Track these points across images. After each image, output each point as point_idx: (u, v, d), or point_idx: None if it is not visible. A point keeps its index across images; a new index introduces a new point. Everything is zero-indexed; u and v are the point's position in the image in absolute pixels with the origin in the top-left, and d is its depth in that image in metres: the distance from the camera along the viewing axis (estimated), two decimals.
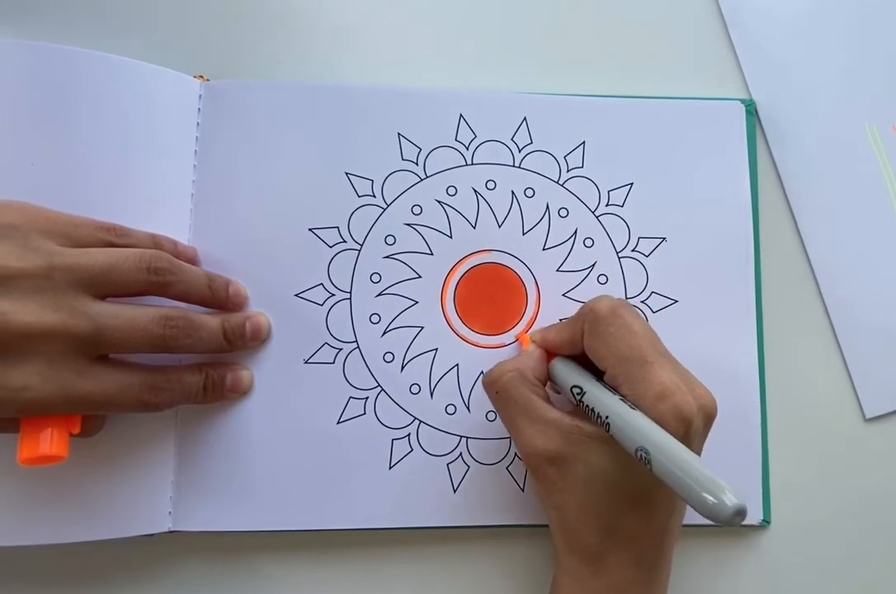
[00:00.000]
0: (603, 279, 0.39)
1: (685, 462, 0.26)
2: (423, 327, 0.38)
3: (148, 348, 0.31)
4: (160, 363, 0.33)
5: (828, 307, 0.40)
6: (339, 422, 0.37)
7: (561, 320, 0.38)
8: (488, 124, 0.39)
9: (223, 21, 0.40)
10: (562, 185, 0.39)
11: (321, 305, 0.37)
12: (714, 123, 0.40)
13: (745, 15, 0.43)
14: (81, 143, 0.35)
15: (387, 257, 0.38)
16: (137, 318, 0.31)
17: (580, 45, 0.42)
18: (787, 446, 0.39)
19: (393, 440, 0.37)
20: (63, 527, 0.34)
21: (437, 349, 0.38)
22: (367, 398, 0.37)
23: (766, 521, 0.38)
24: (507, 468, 0.37)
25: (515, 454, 0.37)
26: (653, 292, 0.39)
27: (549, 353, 0.35)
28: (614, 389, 0.31)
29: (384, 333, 0.37)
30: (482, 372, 0.37)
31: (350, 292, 0.38)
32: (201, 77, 0.38)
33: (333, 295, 0.37)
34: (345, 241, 0.38)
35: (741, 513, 0.24)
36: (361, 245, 0.38)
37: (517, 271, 0.39)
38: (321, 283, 0.37)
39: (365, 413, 0.37)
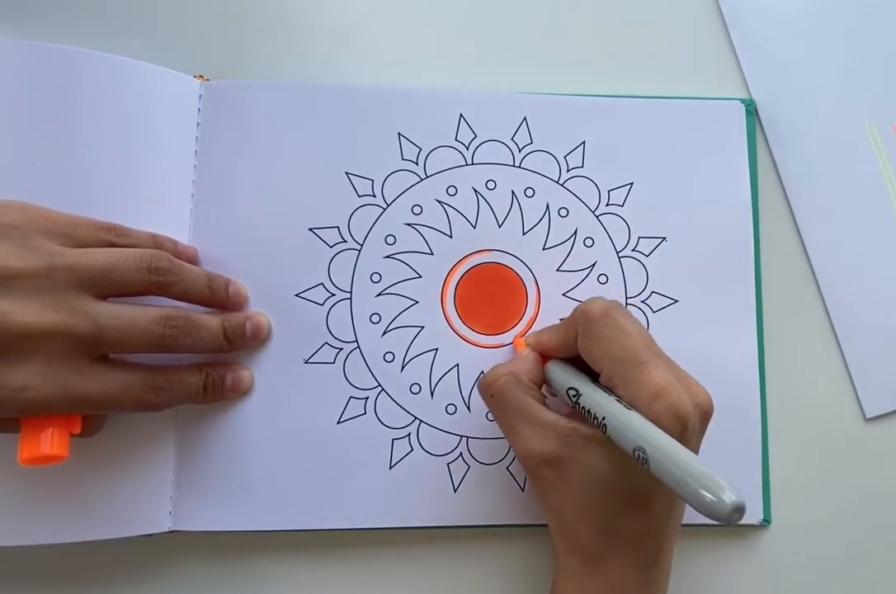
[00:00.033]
0: (603, 279, 0.39)
1: (682, 460, 0.26)
2: (423, 327, 0.38)
3: (148, 348, 0.31)
4: (160, 363, 0.33)
5: (828, 307, 0.40)
6: (339, 422, 0.37)
7: (561, 320, 0.38)
8: (488, 124, 0.39)
9: (223, 21, 0.40)
10: (562, 185, 0.39)
11: (321, 305, 0.37)
12: (714, 123, 0.40)
13: (745, 15, 0.43)
14: (81, 143, 0.35)
15: (387, 257, 0.38)
16: (138, 318, 0.31)
17: (580, 45, 0.42)
18: (787, 446, 0.39)
19: (393, 440, 0.37)
20: (63, 527, 0.34)
21: (437, 349, 0.38)
22: (367, 398, 0.37)
23: (766, 521, 0.38)
24: (507, 468, 0.37)
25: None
26: (653, 292, 0.39)
27: (544, 356, 0.35)
28: (610, 390, 0.31)
29: (384, 333, 0.37)
30: (482, 372, 0.37)
31: (350, 292, 0.38)
32: (201, 77, 0.38)
33: (334, 295, 0.37)
34: (345, 241, 0.38)
35: (740, 510, 0.24)
36: (361, 245, 0.38)
37: (517, 271, 0.39)
38: (321, 283, 0.37)
39: (365, 413, 0.37)
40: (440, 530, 0.37)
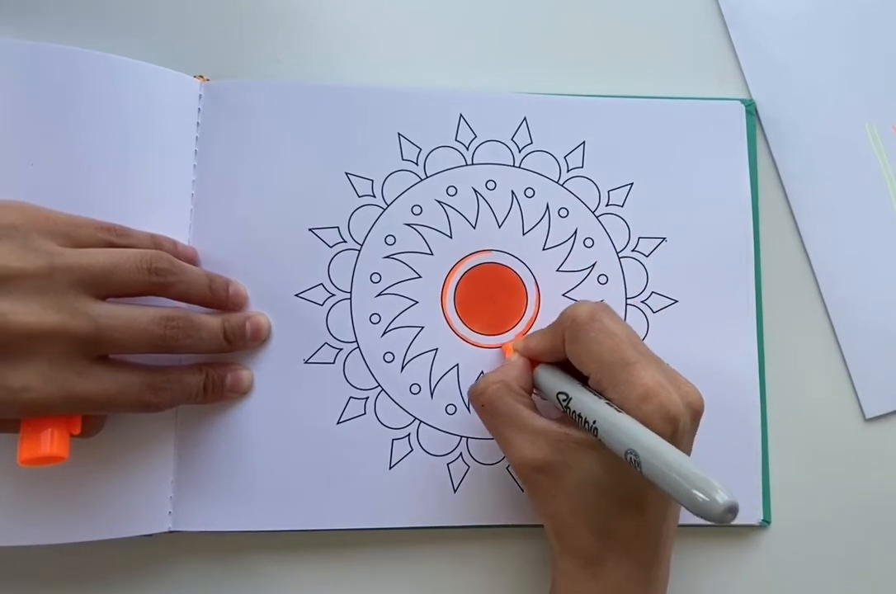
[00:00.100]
0: (603, 279, 0.39)
1: (674, 461, 0.26)
2: (423, 327, 0.38)
3: (148, 348, 0.31)
4: (160, 363, 0.33)
5: (828, 307, 0.40)
6: (339, 422, 0.37)
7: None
8: (488, 124, 0.39)
9: (223, 21, 0.40)
10: (562, 185, 0.39)
11: (321, 305, 0.37)
12: (714, 123, 0.40)
13: (745, 15, 0.43)
14: (81, 143, 0.35)
15: (387, 257, 0.38)
16: (138, 319, 0.31)
17: (580, 45, 0.42)
18: (786, 446, 0.39)
19: (393, 440, 0.37)
20: (63, 527, 0.34)
21: (437, 349, 0.38)
22: (367, 398, 0.37)
23: (766, 521, 0.38)
24: (507, 468, 0.37)
25: None
26: (653, 292, 0.39)
27: (533, 361, 0.34)
28: (599, 394, 0.31)
29: (384, 333, 0.37)
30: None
31: (350, 292, 0.38)
32: (201, 77, 0.38)
33: (333, 295, 0.37)
34: (345, 241, 0.38)
35: (733, 509, 0.24)
36: (361, 245, 0.38)
37: (517, 271, 0.39)
38: (321, 283, 0.37)
39: (365, 413, 0.37)
40: (440, 530, 0.37)
